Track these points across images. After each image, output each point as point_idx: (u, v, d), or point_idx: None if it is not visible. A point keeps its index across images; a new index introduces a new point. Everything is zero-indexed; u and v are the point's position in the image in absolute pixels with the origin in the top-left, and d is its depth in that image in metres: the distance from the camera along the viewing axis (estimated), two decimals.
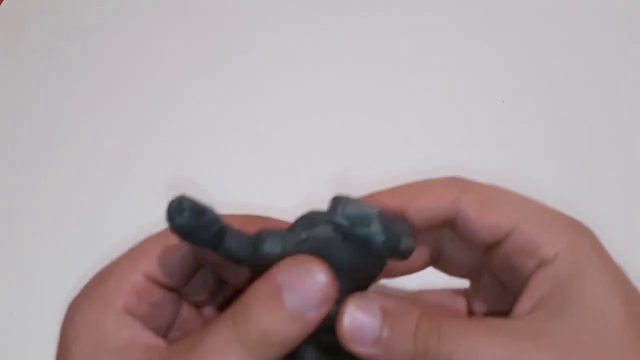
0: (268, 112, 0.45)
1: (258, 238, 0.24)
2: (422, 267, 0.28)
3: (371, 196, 0.25)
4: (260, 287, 0.22)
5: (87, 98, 0.47)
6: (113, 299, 0.24)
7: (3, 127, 0.47)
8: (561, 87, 0.45)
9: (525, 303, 0.23)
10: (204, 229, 0.22)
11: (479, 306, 0.27)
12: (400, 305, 0.23)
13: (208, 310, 0.28)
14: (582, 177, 0.42)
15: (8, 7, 0.52)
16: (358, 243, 0.22)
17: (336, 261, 0.23)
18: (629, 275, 0.23)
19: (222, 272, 0.28)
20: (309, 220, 0.24)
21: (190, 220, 0.21)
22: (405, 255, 0.23)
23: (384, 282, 0.29)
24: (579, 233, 0.23)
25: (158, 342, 0.24)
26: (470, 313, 0.28)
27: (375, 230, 0.21)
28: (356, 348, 0.22)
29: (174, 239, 0.25)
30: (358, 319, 0.22)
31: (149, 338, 0.24)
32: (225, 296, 0.28)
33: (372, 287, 0.28)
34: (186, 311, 0.27)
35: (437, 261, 0.28)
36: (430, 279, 0.28)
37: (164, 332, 0.25)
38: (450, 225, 0.25)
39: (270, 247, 0.23)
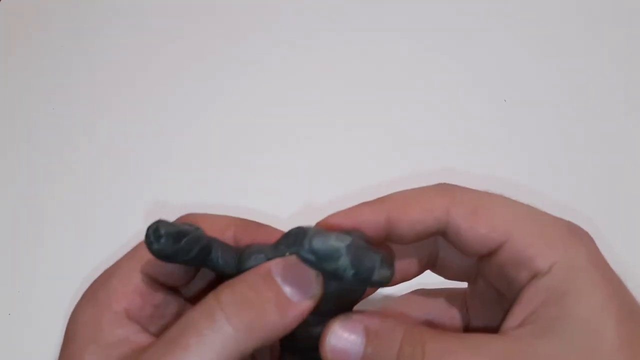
0: (264, 121, 0.45)
1: (243, 253, 0.24)
2: (417, 274, 0.28)
3: (356, 209, 0.24)
4: (251, 275, 0.22)
5: (86, 101, 0.47)
6: (115, 301, 0.24)
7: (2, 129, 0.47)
8: (562, 87, 0.45)
9: (516, 316, 0.22)
10: (184, 252, 0.22)
11: (475, 309, 0.27)
12: (384, 325, 0.22)
13: None
14: (583, 177, 0.41)
15: (8, 7, 0.52)
16: (327, 277, 0.21)
17: None
18: (628, 282, 0.22)
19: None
20: (293, 237, 0.24)
21: (167, 245, 0.22)
22: (380, 285, 0.22)
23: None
24: (575, 242, 0.22)
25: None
26: (467, 316, 0.27)
27: (344, 264, 0.21)
28: None
29: None
30: (342, 339, 0.22)
31: (143, 338, 0.24)
32: None
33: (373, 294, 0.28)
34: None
35: (434, 265, 0.27)
36: (430, 279, 0.28)
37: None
38: (441, 234, 0.24)
39: (254, 262, 0.23)
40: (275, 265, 0.22)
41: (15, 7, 0.52)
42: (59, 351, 0.25)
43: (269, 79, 0.47)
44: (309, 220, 0.24)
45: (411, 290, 0.28)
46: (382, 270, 0.21)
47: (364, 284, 0.22)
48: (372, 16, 0.49)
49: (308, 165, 0.43)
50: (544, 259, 0.21)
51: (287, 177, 0.42)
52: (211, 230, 0.24)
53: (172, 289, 0.26)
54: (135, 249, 0.26)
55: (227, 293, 0.22)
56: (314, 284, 0.22)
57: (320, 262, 0.21)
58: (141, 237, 0.26)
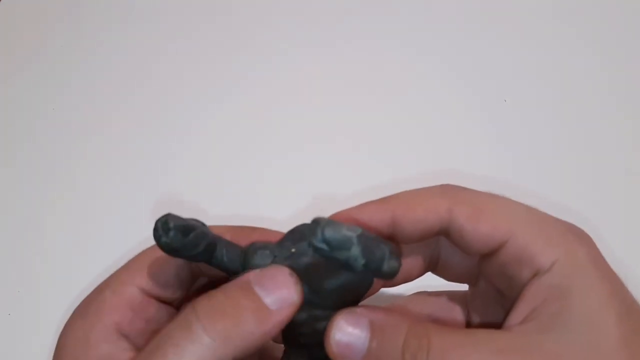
0: (269, 123, 0.45)
1: (248, 251, 0.24)
2: (419, 274, 0.28)
3: (361, 207, 0.24)
4: (229, 285, 0.22)
5: (87, 101, 0.47)
6: (107, 314, 0.24)
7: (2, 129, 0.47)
8: (562, 87, 0.45)
9: (519, 313, 0.22)
10: (192, 246, 0.22)
11: (477, 310, 0.27)
12: (388, 319, 0.23)
13: None
14: (583, 178, 0.41)
15: (8, 7, 0.52)
16: (339, 266, 0.21)
17: (322, 279, 0.23)
18: (627, 282, 0.22)
19: (220, 283, 0.28)
20: (299, 234, 0.24)
21: (176, 239, 0.22)
22: (388, 276, 0.22)
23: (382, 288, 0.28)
24: (576, 241, 0.22)
25: None
26: (468, 317, 0.27)
27: (355, 254, 0.21)
28: None
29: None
30: (346, 333, 0.22)
31: (129, 356, 0.24)
32: None
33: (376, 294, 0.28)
34: None
35: (435, 267, 0.28)
36: (430, 281, 0.28)
37: None
38: (444, 234, 0.24)
39: (260, 259, 0.24)
40: (254, 275, 0.22)
41: (15, 7, 0.52)
42: None
43: (274, 81, 0.47)
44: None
45: (412, 292, 0.28)
46: (391, 262, 0.22)
47: (374, 274, 0.22)
48: (375, 17, 0.49)
49: (311, 166, 0.43)
50: (546, 257, 0.22)
51: (290, 178, 0.42)
52: None
53: (167, 304, 0.26)
54: (128, 263, 0.26)
55: (204, 303, 0.22)
56: (293, 292, 0.22)
57: (332, 251, 0.21)
58: (139, 248, 0.26)
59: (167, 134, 0.45)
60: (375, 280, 0.25)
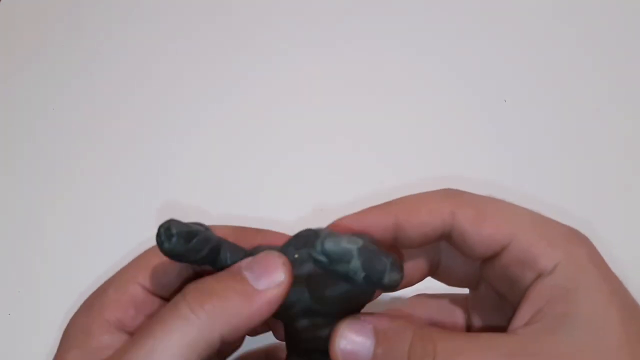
0: (264, 123, 0.45)
1: (252, 254, 0.24)
2: (420, 279, 0.28)
3: (364, 212, 0.24)
4: (221, 272, 0.23)
5: (88, 101, 0.47)
6: (109, 310, 0.25)
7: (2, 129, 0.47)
8: (562, 87, 0.45)
9: (523, 315, 0.22)
10: (195, 252, 0.22)
11: (478, 315, 0.27)
12: (393, 325, 0.23)
13: None
14: (583, 179, 0.41)
15: (8, 7, 0.52)
16: (338, 278, 0.21)
17: (324, 288, 0.23)
18: (626, 284, 0.23)
19: None
20: (302, 239, 0.24)
21: (178, 245, 0.22)
22: (389, 289, 0.22)
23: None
24: (577, 243, 0.23)
25: None
26: (469, 321, 0.27)
27: (355, 267, 0.21)
28: None
29: None
30: (351, 341, 0.22)
31: None
32: None
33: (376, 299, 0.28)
34: None
35: (436, 272, 0.28)
36: (430, 283, 0.28)
37: None
38: (446, 238, 0.24)
39: None
40: (245, 262, 0.23)
41: (15, 7, 0.52)
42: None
43: (275, 82, 0.47)
44: (317, 224, 0.25)
45: (412, 295, 0.29)
46: (393, 274, 0.22)
47: (374, 286, 0.22)
48: (375, 18, 0.49)
49: (315, 170, 0.42)
50: (548, 259, 0.22)
51: (294, 182, 0.42)
52: None
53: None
54: (133, 261, 0.26)
55: (191, 286, 0.22)
56: (280, 271, 0.22)
57: (332, 264, 0.21)
58: (143, 241, 0.26)
59: (168, 135, 0.45)
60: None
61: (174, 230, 0.22)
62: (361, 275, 0.21)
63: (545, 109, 0.44)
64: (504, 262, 0.23)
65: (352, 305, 0.24)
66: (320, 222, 0.25)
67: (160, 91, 0.47)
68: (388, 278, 0.21)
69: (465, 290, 0.28)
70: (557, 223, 0.24)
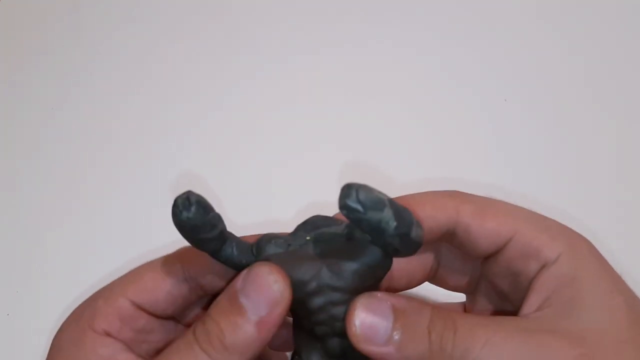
0: (266, 126, 0.45)
1: (261, 241, 0.24)
2: (421, 281, 0.28)
3: None
4: (220, 296, 0.23)
5: (88, 102, 0.47)
6: (96, 321, 0.25)
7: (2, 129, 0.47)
8: (563, 86, 0.45)
9: (532, 303, 0.23)
10: (210, 226, 0.22)
11: None
12: (411, 303, 0.23)
13: None
14: (584, 179, 0.41)
15: (8, 7, 0.52)
16: (369, 230, 0.21)
17: (342, 261, 0.23)
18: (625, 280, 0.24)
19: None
20: (311, 224, 0.25)
21: (197, 214, 0.21)
22: (415, 244, 0.22)
23: None
24: (575, 237, 0.24)
25: None
26: None
27: (387, 215, 0.21)
28: (367, 347, 0.22)
29: (166, 268, 0.25)
30: (369, 317, 0.22)
31: (128, 357, 0.25)
32: None
33: None
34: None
35: (434, 276, 0.28)
36: (425, 294, 0.29)
37: (152, 355, 0.26)
38: (449, 237, 0.25)
39: (274, 248, 0.24)
40: (240, 283, 0.23)
41: (15, 7, 0.52)
42: None
43: (277, 85, 0.46)
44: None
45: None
46: (418, 229, 0.22)
47: (402, 240, 0.22)
48: (375, 18, 0.49)
49: (314, 171, 0.42)
50: (551, 250, 0.23)
51: (294, 183, 0.42)
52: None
53: (160, 317, 0.27)
54: (125, 275, 0.26)
55: (201, 328, 0.23)
56: (275, 291, 0.22)
57: (366, 211, 0.20)
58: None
59: (167, 136, 0.45)
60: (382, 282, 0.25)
61: (193, 199, 0.21)
62: (393, 224, 0.21)
63: (545, 109, 0.44)
64: (508, 256, 0.24)
65: (369, 281, 0.24)
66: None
67: (160, 92, 0.47)
68: (415, 232, 0.22)
69: (462, 297, 0.29)
70: (555, 221, 0.25)
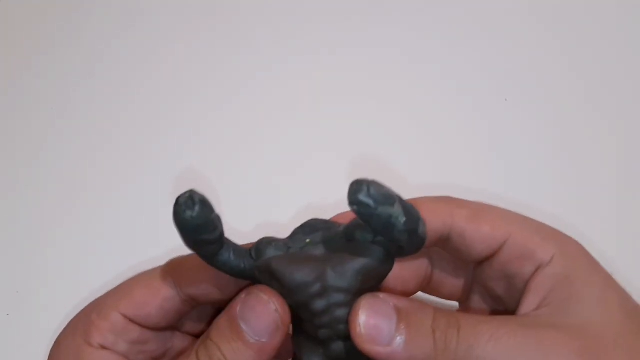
0: (260, 135, 0.45)
1: (260, 244, 0.24)
2: (415, 290, 0.28)
3: None
4: (220, 320, 0.24)
5: (87, 102, 0.47)
6: (91, 334, 0.25)
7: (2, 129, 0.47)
8: (563, 86, 0.45)
9: (530, 303, 0.23)
10: (212, 227, 0.21)
11: None
12: (413, 303, 0.23)
13: None
14: (584, 178, 0.41)
15: (8, 7, 0.52)
16: (380, 225, 0.21)
17: (344, 261, 0.23)
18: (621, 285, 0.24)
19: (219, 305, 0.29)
20: (310, 227, 0.25)
21: (201, 213, 0.21)
22: (421, 240, 0.22)
23: None
24: (566, 239, 0.25)
25: None
26: None
27: (397, 210, 0.21)
28: (371, 348, 0.22)
29: (157, 282, 0.26)
30: (372, 318, 0.22)
31: None
32: None
33: None
34: (181, 341, 0.28)
35: (428, 285, 0.28)
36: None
37: None
38: (443, 242, 0.25)
39: (274, 251, 0.24)
40: (240, 307, 0.23)
41: (15, 7, 0.52)
42: None
43: (275, 88, 0.46)
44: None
45: None
46: (423, 226, 0.22)
47: (410, 236, 0.22)
48: (375, 18, 0.49)
49: (311, 175, 0.42)
50: (545, 251, 0.24)
51: (291, 187, 0.42)
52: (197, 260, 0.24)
53: (153, 329, 0.27)
54: (117, 288, 0.27)
55: (202, 351, 0.23)
56: (275, 319, 0.23)
57: (377, 206, 0.20)
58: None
59: (168, 133, 0.45)
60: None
61: (196, 199, 0.21)
62: (402, 219, 0.21)
63: (545, 109, 0.44)
64: (502, 259, 0.24)
65: (371, 281, 0.24)
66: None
67: (161, 92, 0.47)
68: (422, 228, 0.22)
69: (455, 304, 0.29)
70: (546, 224, 0.25)
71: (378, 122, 0.44)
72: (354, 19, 0.49)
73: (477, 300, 0.27)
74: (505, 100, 0.45)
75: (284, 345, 0.25)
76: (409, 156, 0.43)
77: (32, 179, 0.44)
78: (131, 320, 0.26)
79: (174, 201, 0.21)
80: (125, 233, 0.41)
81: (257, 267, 0.23)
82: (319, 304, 0.23)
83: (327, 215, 0.26)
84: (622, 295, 0.23)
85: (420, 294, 0.29)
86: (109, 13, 0.51)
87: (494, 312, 0.27)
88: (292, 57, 0.48)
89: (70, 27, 0.50)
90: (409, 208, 0.21)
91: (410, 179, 0.41)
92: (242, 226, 0.39)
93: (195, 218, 0.21)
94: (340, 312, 0.23)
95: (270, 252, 0.23)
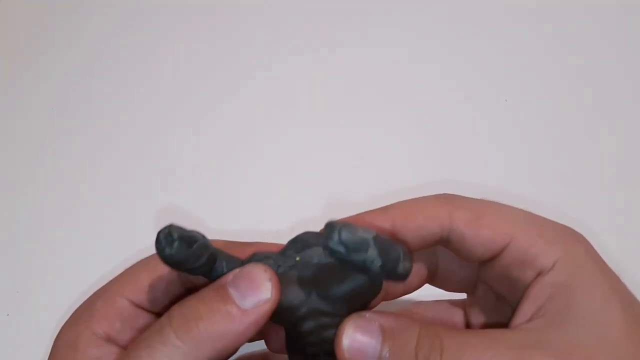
0: (260, 135, 0.45)
1: (252, 260, 0.24)
2: (419, 286, 0.28)
3: (362, 216, 0.25)
4: (206, 288, 0.23)
5: (87, 102, 0.47)
6: (96, 322, 0.25)
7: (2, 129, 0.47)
8: (563, 86, 0.45)
9: (525, 312, 0.23)
10: (195, 258, 0.22)
11: (476, 318, 0.27)
12: (399, 322, 0.23)
13: None
14: (584, 178, 0.41)
15: (8, 7, 0.52)
16: (354, 269, 0.21)
17: (331, 285, 0.23)
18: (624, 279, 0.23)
19: None
20: (302, 242, 0.24)
21: (180, 250, 0.21)
22: (402, 277, 0.22)
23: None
24: (574, 241, 0.23)
25: None
26: (468, 325, 0.28)
27: (372, 255, 0.21)
28: None
29: (162, 266, 0.25)
30: (357, 340, 0.22)
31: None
32: None
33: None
34: None
35: (433, 278, 0.28)
36: (427, 292, 0.28)
37: None
38: (444, 242, 0.25)
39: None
40: (232, 276, 0.22)
41: (15, 7, 0.52)
42: None
43: (275, 91, 0.46)
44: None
45: (409, 303, 0.29)
46: (405, 263, 0.22)
47: (388, 275, 0.22)
48: (375, 18, 0.49)
49: (309, 177, 0.42)
50: (547, 257, 0.22)
51: (289, 190, 0.42)
52: None
53: (158, 315, 0.27)
54: (121, 275, 0.26)
55: (176, 309, 0.22)
56: (267, 288, 0.22)
57: (349, 253, 0.20)
58: (134, 259, 0.27)
59: (167, 137, 0.45)
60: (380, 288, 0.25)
61: (175, 235, 0.21)
62: (378, 263, 0.21)
63: (545, 109, 0.44)
64: (504, 262, 0.23)
65: (358, 304, 0.24)
66: (315, 229, 0.25)
67: (160, 92, 0.47)
68: (402, 266, 0.22)
69: (463, 296, 0.28)
70: (554, 222, 0.24)
71: (378, 122, 0.44)
72: (354, 19, 0.49)
73: (483, 293, 0.27)
74: (505, 100, 0.45)
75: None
76: (409, 156, 0.43)
77: (32, 179, 0.44)
78: (137, 306, 0.25)
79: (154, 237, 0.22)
80: (126, 232, 0.41)
81: None
82: (307, 325, 0.23)
83: (326, 216, 0.26)
84: (627, 306, 0.22)
85: (427, 286, 0.28)
86: (109, 13, 0.51)
87: (499, 307, 0.26)
88: (292, 57, 0.48)
89: (70, 27, 0.50)
90: (386, 249, 0.21)
91: (411, 178, 0.41)
92: (241, 227, 0.40)
93: (175, 255, 0.21)
94: (328, 333, 0.23)
95: None
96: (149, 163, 0.44)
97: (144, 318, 0.25)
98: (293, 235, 0.25)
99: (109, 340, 0.24)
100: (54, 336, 0.28)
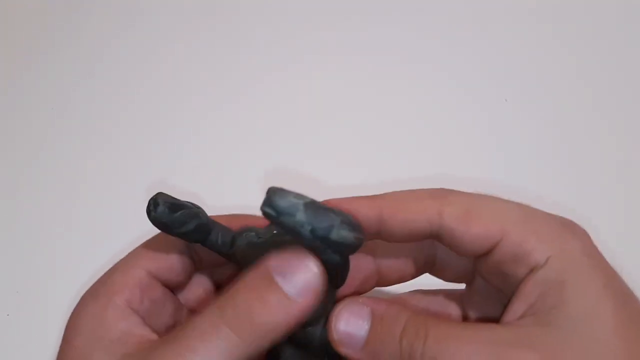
0: (260, 134, 0.45)
1: (238, 233, 0.26)
2: (414, 275, 0.28)
3: (348, 200, 0.24)
4: (249, 275, 0.23)
5: (87, 102, 0.47)
6: (117, 293, 0.25)
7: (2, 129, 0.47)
8: (563, 86, 0.45)
9: (515, 308, 0.22)
10: (179, 223, 0.24)
11: (473, 308, 0.27)
12: (390, 309, 0.23)
13: None
14: (584, 177, 0.41)
15: (8, 7, 0.52)
16: (288, 233, 0.22)
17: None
18: (622, 274, 0.23)
19: (219, 277, 0.29)
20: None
21: (163, 214, 0.24)
22: (341, 246, 0.22)
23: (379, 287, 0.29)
24: (569, 235, 0.23)
25: (154, 337, 0.25)
26: (465, 317, 0.27)
27: (301, 219, 0.21)
28: (344, 351, 0.23)
29: (171, 241, 0.26)
30: (349, 322, 0.23)
31: (145, 331, 0.25)
32: None
33: (370, 292, 0.28)
34: (188, 317, 0.28)
35: (432, 268, 0.28)
36: (427, 281, 0.28)
37: (163, 332, 0.26)
38: (436, 237, 0.24)
39: (244, 240, 0.25)
40: (274, 262, 0.22)
41: (15, 6, 0.52)
42: (57, 352, 0.25)
43: (274, 81, 0.46)
44: None
45: (409, 291, 0.29)
46: (342, 231, 0.22)
47: (325, 243, 0.22)
48: (375, 18, 0.49)
49: (306, 162, 0.42)
50: (540, 253, 0.22)
51: (287, 177, 0.42)
52: None
53: (170, 289, 0.28)
54: (136, 248, 0.27)
55: (229, 302, 0.22)
56: (315, 276, 0.22)
57: (279, 216, 0.21)
58: (144, 237, 0.27)
59: (168, 132, 0.45)
60: (369, 277, 0.26)
61: (160, 201, 0.24)
62: (307, 228, 0.21)
63: (545, 109, 0.44)
64: (497, 258, 0.23)
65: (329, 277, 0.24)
66: None
67: (160, 89, 0.47)
68: (336, 234, 0.22)
69: (462, 286, 0.28)
70: (549, 215, 0.24)
71: (378, 123, 0.44)
72: (354, 19, 0.49)
73: (481, 286, 0.26)
74: (505, 100, 0.45)
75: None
76: (409, 156, 0.43)
77: (32, 179, 0.44)
78: (154, 277, 0.26)
79: None
80: (126, 232, 0.41)
81: (231, 254, 0.26)
82: (287, 352, 0.25)
83: None
84: (621, 301, 0.21)
85: (427, 275, 0.28)
86: (109, 13, 0.51)
87: (496, 298, 0.25)
88: (292, 57, 0.48)
89: (70, 27, 0.50)
90: (317, 215, 0.21)
91: (411, 177, 0.41)
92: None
93: (158, 217, 0.24)
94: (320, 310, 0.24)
95: (241, 242, 0.25)
96: (149, 163, 0.44)
97: (159, 290, 0.26)
98: None
99: (131, 308, 0.25)
100: (54, 336, 0.27)
